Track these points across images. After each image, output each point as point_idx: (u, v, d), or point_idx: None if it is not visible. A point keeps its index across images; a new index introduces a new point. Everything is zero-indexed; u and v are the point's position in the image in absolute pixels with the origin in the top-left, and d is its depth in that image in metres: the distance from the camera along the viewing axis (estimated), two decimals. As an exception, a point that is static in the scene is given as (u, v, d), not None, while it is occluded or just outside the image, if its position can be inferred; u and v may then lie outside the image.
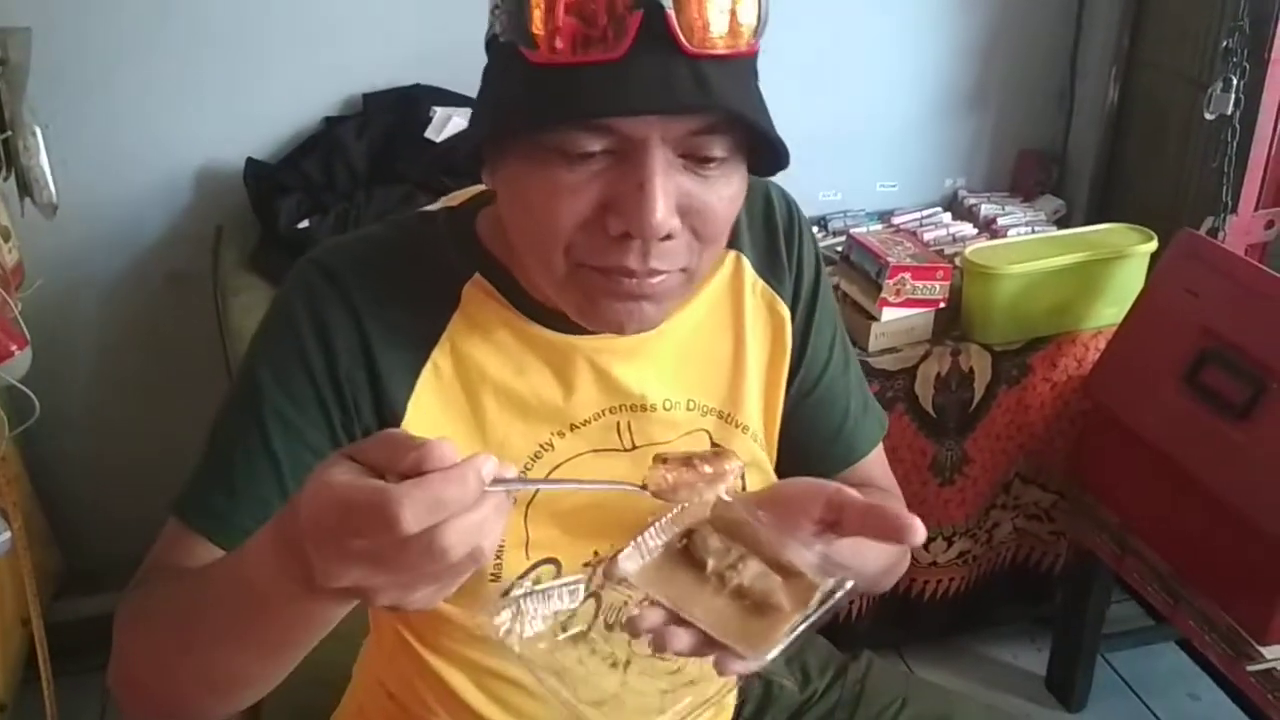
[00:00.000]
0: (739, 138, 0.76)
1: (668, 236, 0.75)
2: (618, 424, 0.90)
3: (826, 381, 1.01)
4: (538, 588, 0.67)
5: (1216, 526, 1.62)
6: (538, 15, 0.70)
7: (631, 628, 0.69)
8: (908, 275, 1.80)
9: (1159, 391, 1.70)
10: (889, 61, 2.20)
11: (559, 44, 0.71)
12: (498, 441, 0.87)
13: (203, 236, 1.94)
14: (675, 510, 0.75)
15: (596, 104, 0.71)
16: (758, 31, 0.74)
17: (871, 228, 2.12)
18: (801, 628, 0.68)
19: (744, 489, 0.91)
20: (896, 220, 2.19)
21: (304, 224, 1.78)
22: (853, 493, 0.76)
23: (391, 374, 0.85)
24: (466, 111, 1.91)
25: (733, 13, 0.72)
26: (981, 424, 1.94)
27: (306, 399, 0.83)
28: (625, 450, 0.91)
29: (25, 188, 1.55)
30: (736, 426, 0.95)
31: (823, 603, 0.69)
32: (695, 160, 0.75)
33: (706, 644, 0.69)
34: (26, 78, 1.56)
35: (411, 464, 0.56)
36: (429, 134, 1.87)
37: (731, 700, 1.10)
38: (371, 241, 0.90)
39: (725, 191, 0.78)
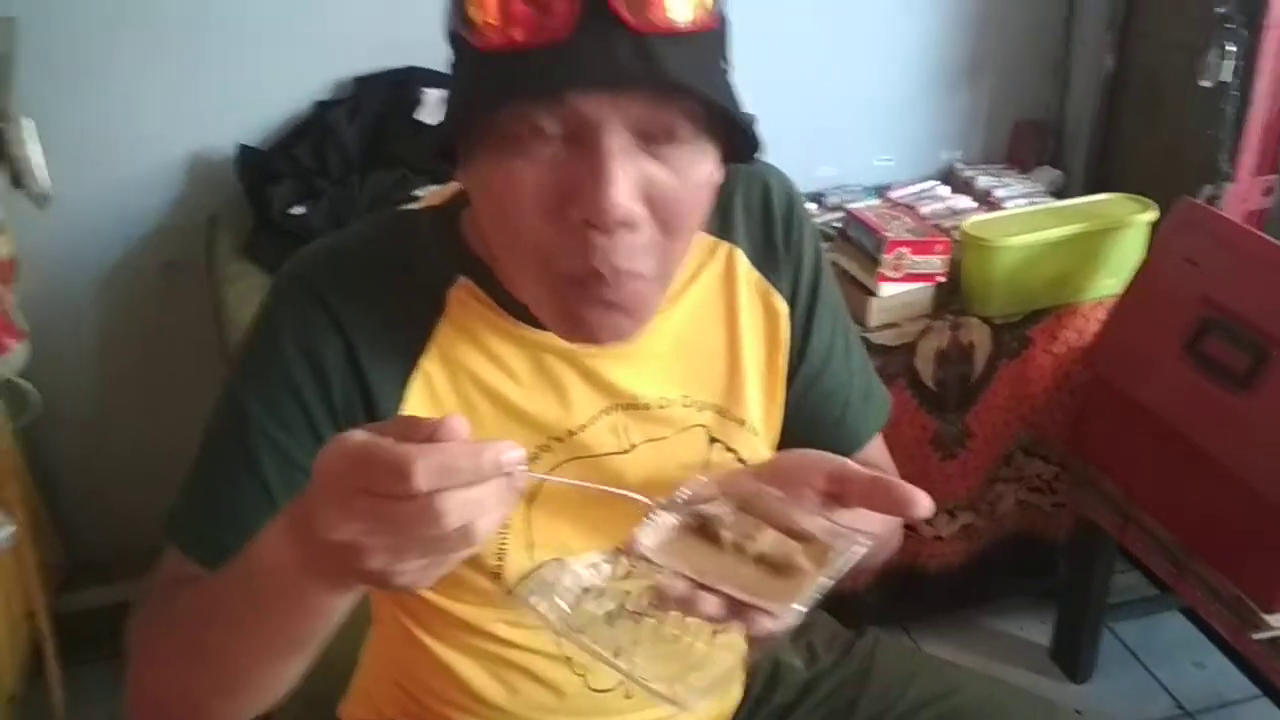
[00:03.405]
0: (706, 119, 0.74)
1: (631, 225, 0.73)
2: (614, 425, 0.89)
3: (829, 373, 1.00)
4: (567, 566, 0.67)
5: (1220, 496, 1.62)
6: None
7: (658, 598, 0.70)
8: (906, 250, 1.79)
9: (1160, 362, 1.69)
10: (883, 35, 2.18)
11: (498, 26, 0.70)
12: None
13: (196, 225, 1.92)
14: (681, 490, 0.76)
15: (536, 82, 0.69)
16: (713, 6, 0.72)
17: (868, 202, 2.10)
18: (826, 583, 0.69)
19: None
20: (893, 194, 2.17)
21: (298, 210, 1.77)
22: (855, 466, 0.77)
23: (381, 385, 0.83)
24: (459, 94, 1.89)
25: None
26: (982, 397, 1.94)
27: (297, 424, 0.82)
28: (623, 452, 0.90)
29: (17, 178, 1.54)
30: (735, 421, 0.94)
31: (843, 560, 0.71)
32: (656, 142, 0.73)
33: (734, 607, 0.70)
34: (12, 68, 1.55)
35: (426, 434, 0.58)
36: (421, 116, 1.86)
37: (740, 682, 1.10)
38: (351, 245, 0.87)
39: (693, 176, 0.75)
